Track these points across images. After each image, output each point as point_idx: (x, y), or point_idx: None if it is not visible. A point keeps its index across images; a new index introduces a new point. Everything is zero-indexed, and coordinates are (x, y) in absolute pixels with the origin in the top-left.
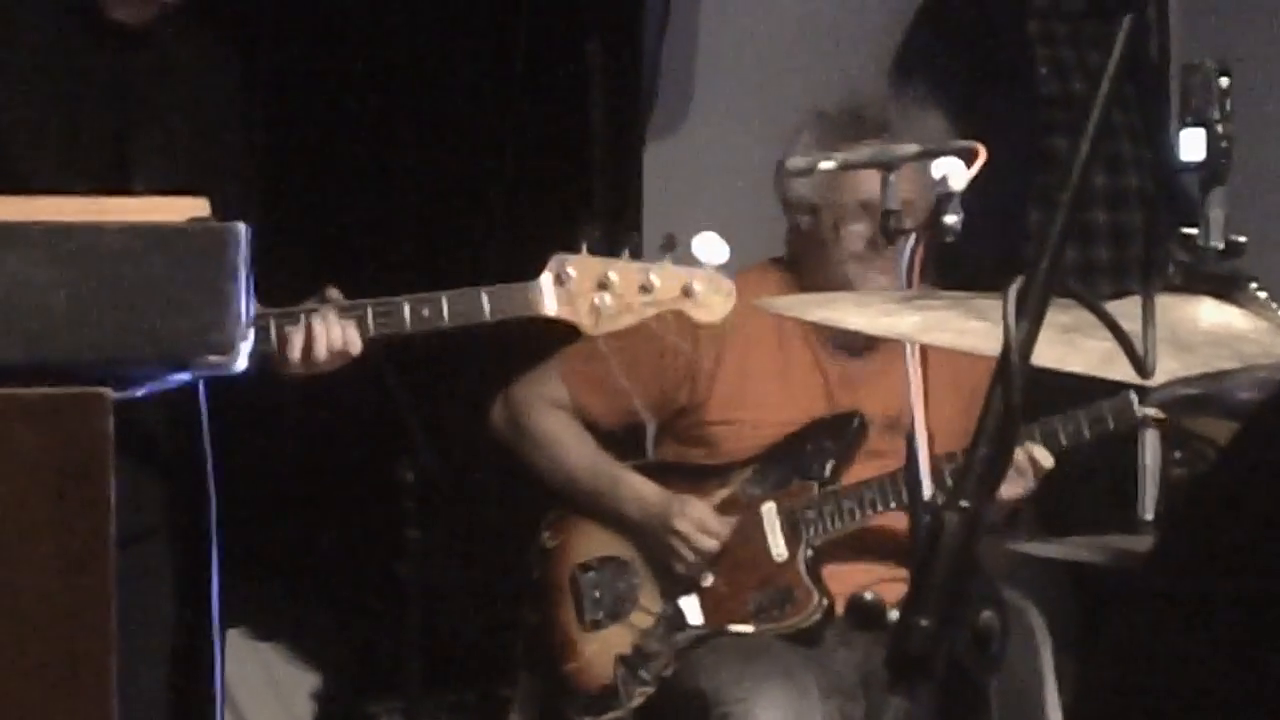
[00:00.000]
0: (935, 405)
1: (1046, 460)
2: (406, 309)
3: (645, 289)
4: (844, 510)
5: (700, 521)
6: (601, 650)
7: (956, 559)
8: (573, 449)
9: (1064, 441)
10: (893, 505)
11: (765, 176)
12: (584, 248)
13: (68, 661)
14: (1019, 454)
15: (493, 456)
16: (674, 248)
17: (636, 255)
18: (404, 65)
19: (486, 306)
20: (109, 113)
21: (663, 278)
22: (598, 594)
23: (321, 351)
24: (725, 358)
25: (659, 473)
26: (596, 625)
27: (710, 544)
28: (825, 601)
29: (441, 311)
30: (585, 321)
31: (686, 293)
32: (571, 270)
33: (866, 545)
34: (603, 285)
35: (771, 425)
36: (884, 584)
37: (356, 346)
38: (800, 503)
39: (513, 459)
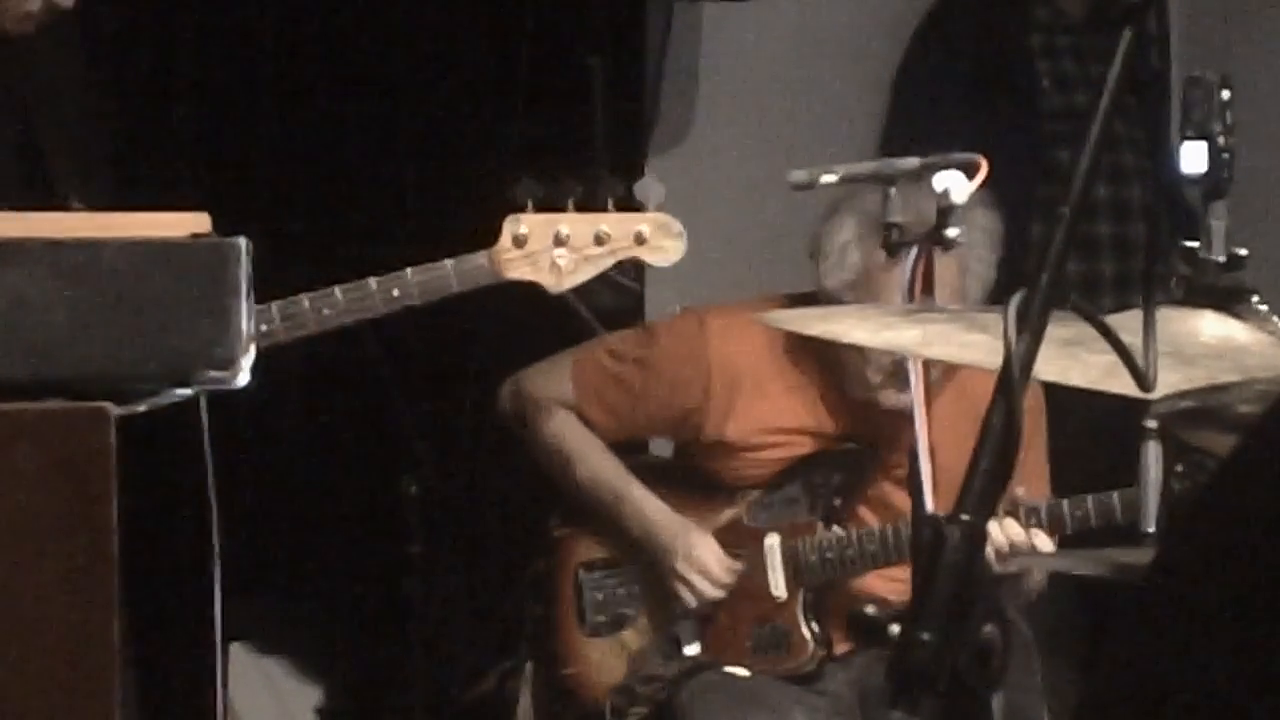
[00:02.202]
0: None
1: (1046, 547)
2: (375, 288)
3: (599, 240)
4: (846, 560)
5: (705, 570)
6: (600, 662)
7: (958, 573)
8: (578, 458)
9: (1070, 528)
10: (894, 560)
11: (767, 192)
12: (529, 204)
13: (72, 677)
14: (1020, 535)
15: (496, 471)
16: (613, 192)
17: (580, 205)
18: (407, 79)
19: (453, 277)
20: (11, 125)
21: (614, 226)
22: (599, 597)
23: None
24: (740, 391)
25: (670, 475)
26: (596, 632)
27: (714, 594)
28: (822, 653)
29: (410, 287)
30: (548, 280)
31: (639, 239)
32: (525, 229)
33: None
34: (559, 241)
35: (774, 447)
36: (885, 582)
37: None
38: (805, 542)
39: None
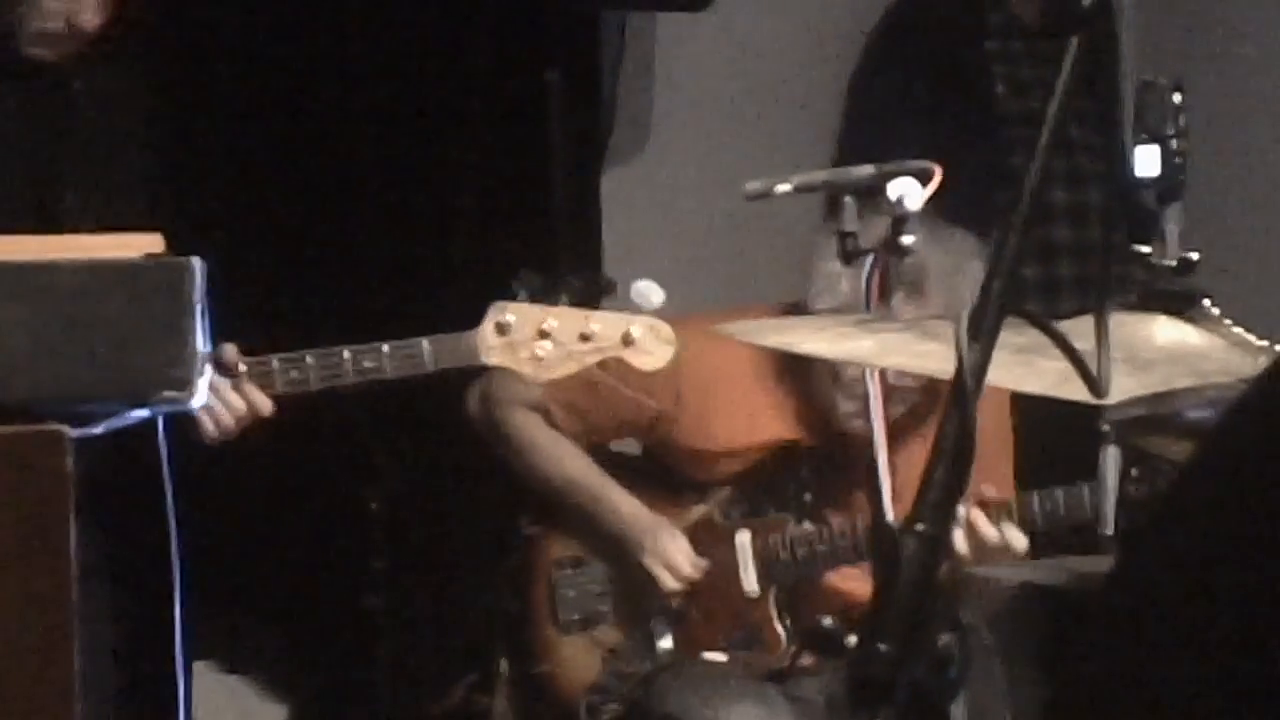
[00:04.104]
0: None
1: (1020, 544)
2: (348, 359)
3: (586, 337)
4: (817, 555)
5: (672, 564)
6: (574, 658)
7: (916, 583)
8: (549, 458)
9: (1039, 523)
10: (866, 556)
11: (723, 210)
12: (521, 295)
13: (30, 701)
14: (991, 532)
15: (460, 484)
16: (613, 292)
17: (575, 301)
18: (364, 96)
19: (428, 357)
20: (34, 150)
21: (603, 325)
22: (573, 594)
23: (229, 422)
24: (713, 397)
25: (642, 473)
26: (570, 629)
27: (676, 588)
28: (794, 648)
29: (383, 362)
30: (526, 370)
31: (626, 340)
32: (511, 318)
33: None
34: (543, 333)
35: (746, 454)
36: (850, 581)
37: (266, 408)
38: (776, 539)
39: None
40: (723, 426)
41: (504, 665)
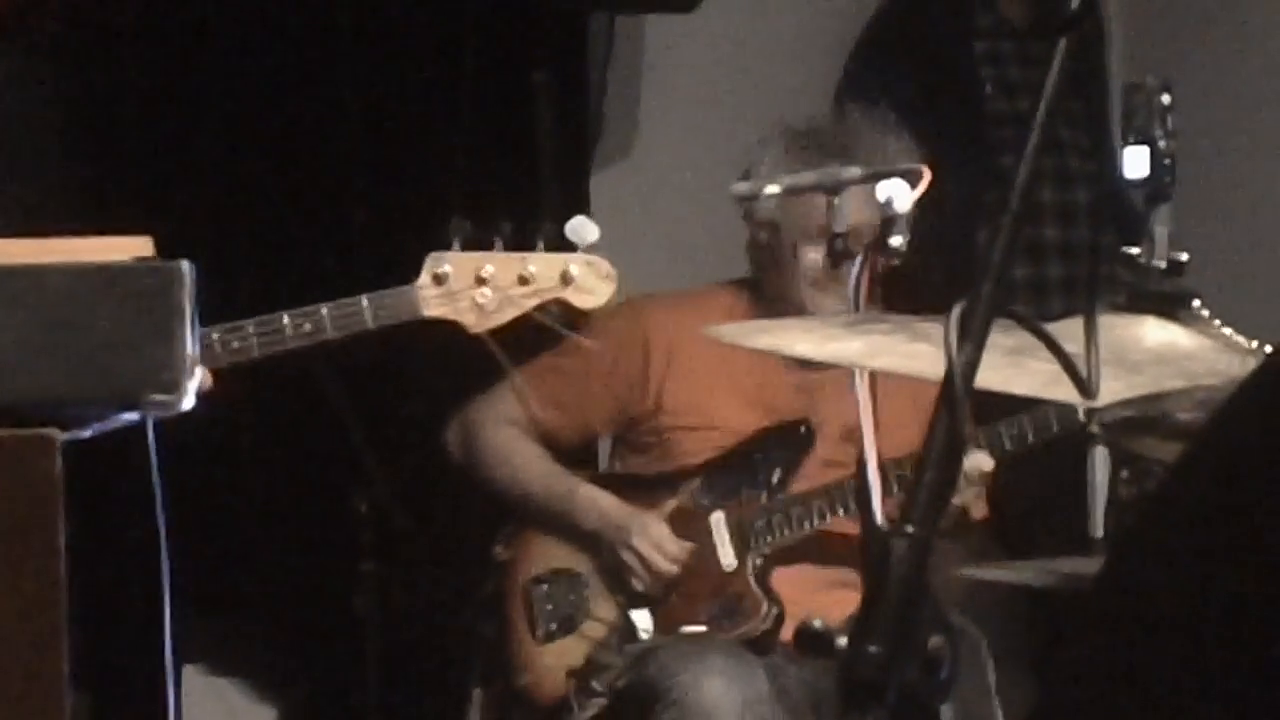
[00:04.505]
0: (890, 410)
1: (986, 464)
2: (288, 323)
3: (524, 280)
4: (792, 518)
5: (659, 544)
6: (555, 663)
7: (905, 585)
8: (526, 463)
9: (1008, 446)
10: (841, 512)
11: (712, 205)
12: (456, 244)
13: (20, 706)
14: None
15: (448, 487)
16: (544, 234)
17: (512, 245)
18: (350, 95)
19: (369, 313)
20: None
21: (540, 266)
22: (550, 606)
23: None
24: (676, 364)
25: (611, 484)
26: (550, 637)
27: (668, 568)
28: (775, 610)
29: (324, 323)
30: (468, 319)
31: (565, 279)
32: (448, 268)
33: (817, 550)
34: (481, 280)
35: (725, 432)
36: (835, 589)
37: (206, 382)
38: (749, 513)
39: (469, 478)
40: (687, 390)
41: (477, 695)
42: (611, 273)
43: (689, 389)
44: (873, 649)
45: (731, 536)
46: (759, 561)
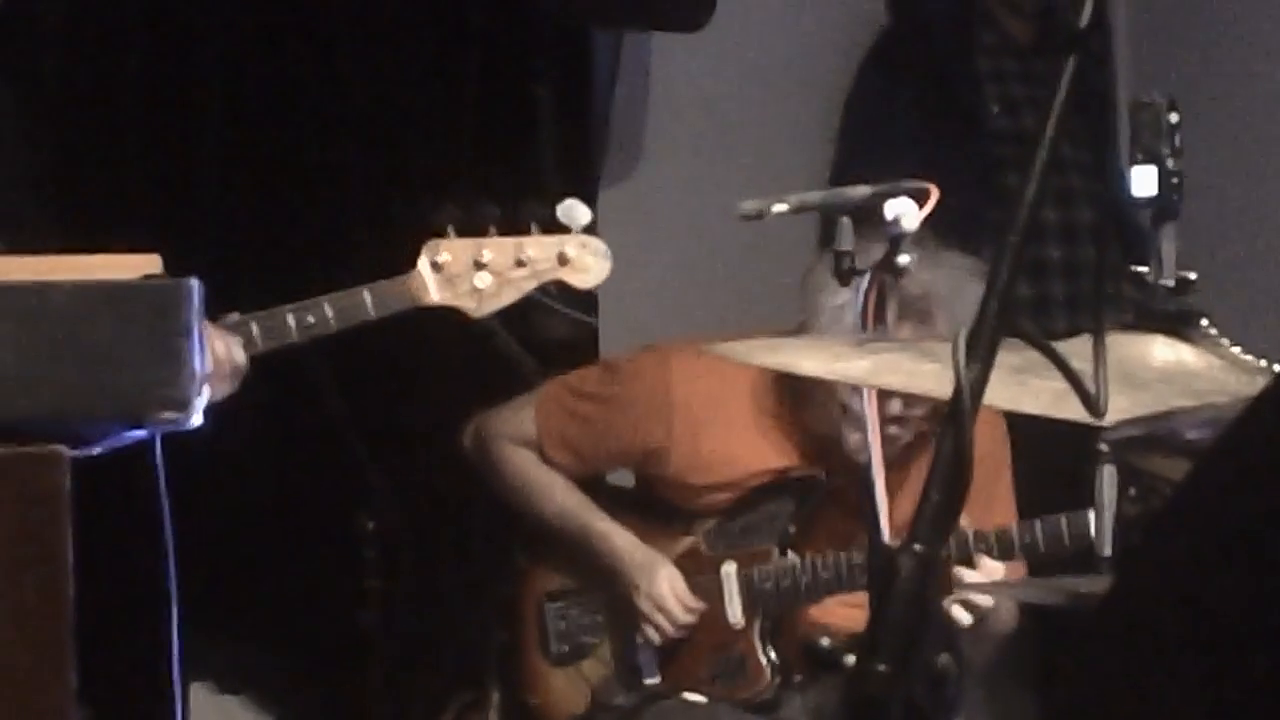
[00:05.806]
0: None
1: (996, 572)
2: (290, 318)
3: (521, 263)
4: (801, 587)
5: (666, 609)
6: (563, 691)
7: (912, 603)
8: (542, 491)
9: (1042, 548)
10: (848, 588)
11: (718, 224)
12: (451, 230)
13: None
14: (980, 599)
15: (454, 503)
16: (539, 217)
17: (504, 228)
18: (353, 109)
19: (370, 304)
20: None
21: (537, 248)
22: (562, 626)
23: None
24: (702, 423)
25: (629, 503)
26: (560, 660)
27: (682, 621)
28: (779, 679)
29: (326, 315)
30: (468, 304)
31: (562, 260)
32: (445, 255)
33: None
34: (479, 264)
35: (737, 486)
36: (842, 609)
37: (241, 359)
38: (761, 570)
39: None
40: (716, 459)
41: (495, 696)
42: (606, 251)
43: (719, 454)
44: (880, 667)
45: (741, 592)
46: (767, 624)
